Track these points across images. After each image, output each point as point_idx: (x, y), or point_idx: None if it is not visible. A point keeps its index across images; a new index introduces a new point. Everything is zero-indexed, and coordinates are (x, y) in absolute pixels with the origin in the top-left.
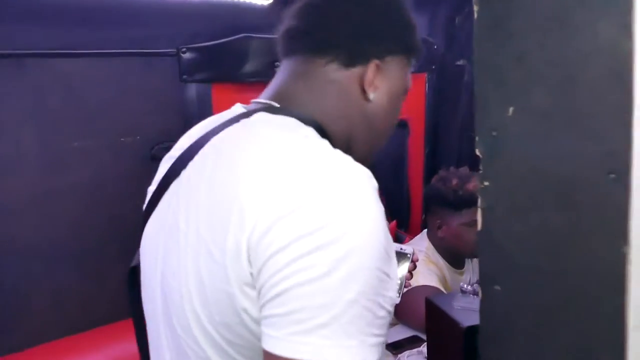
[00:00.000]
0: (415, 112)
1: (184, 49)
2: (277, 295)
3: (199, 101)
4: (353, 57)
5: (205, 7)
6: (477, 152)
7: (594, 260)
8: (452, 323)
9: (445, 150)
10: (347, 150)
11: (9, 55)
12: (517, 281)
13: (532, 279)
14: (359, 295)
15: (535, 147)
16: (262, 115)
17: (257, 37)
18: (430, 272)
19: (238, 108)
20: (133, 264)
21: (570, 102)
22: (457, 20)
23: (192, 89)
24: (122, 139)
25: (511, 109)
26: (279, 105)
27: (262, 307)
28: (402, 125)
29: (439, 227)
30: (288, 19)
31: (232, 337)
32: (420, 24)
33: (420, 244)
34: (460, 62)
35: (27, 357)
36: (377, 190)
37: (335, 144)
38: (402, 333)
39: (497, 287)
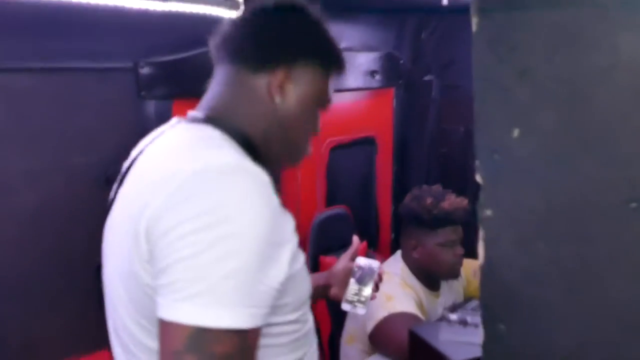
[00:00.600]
0: (382, 128)
1: (142, 64)
2: (163, 268)
3: (158, 119)
4: (259, 63)
5: (164, 19)
6: (478, 178)
7: (611, 300)
8: (440, 357)
9: (414, 167)
10: (266, 152)
11: None
12: (523, 321)
13: (540, 318)
14: (232, 271)
15: (543, 173)
16: (181, 126)
17: None
18: (407, 297)
19: (173, 120)
20: (97, 263)
21: (584, 122)
22: (423, 35)
23: (151, 106)
24: (73, 160)
25: (517, 131)
26: (202, 116)
27: (154, 278)
28: (370, 142)
29: (414, 248)
30: (217, 35)
31: (144, 312)
32: (386, 38)
33: (395, 266)
34: (427, 78)
35: None
36: (269, 184)
37: (258, 150)
38: None
39: (502, 326)
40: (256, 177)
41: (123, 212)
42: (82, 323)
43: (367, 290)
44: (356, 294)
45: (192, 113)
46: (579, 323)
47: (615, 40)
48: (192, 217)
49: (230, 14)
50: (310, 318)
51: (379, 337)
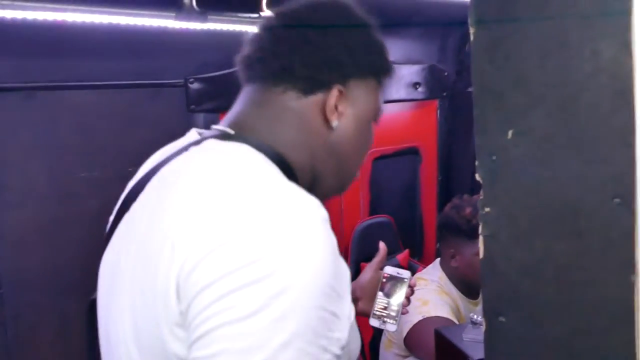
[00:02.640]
0: (427, 138)
1: (191, 80)
2: (202, 336)
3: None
4: (311, 84)
5: (212, 38)
6: (477, 177)
7: (601, 290)
8: (462, 356)
9: (458, 177)
10: (313, 182)
11: (20, 88)
12: (522, 312)
13: (537, 309)
14: (293, 337)
15: (536, 171)
16: (211, 143)
17: None
18: (443, 303)
19: (192, 134)
20: (92, 297)
21: (572, 124)
22: (467, 47)
23: (200, 119)
24: (129, 169)
25: (510, 132)
26: (233, 132)
27: (189, 348)
28: (414, 152)
29: (453, 257)
30: (246, 45)
31: None
32: (430, 51)
33: (433, 274)
34: (471, 89)
35: None
36: (328, 221)
37: (298, 176)
38: None
39: (502, 319)
40: (316, 213)
41: (139, 253)
42: None
43: (397, 304)
44: (385, 308)
45: (218, 127)
46: (572, 314)
47: (597, 47)
48: (239, 267)
49: None
50: None
51: (412, 341)
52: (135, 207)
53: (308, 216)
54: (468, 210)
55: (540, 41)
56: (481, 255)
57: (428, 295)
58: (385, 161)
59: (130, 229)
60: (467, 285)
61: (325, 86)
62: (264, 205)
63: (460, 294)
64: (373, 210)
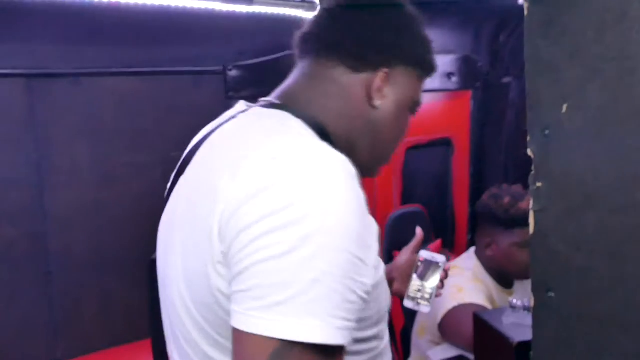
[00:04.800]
0: (459, 129)
1: (230, 67)
2: (241, 272)
3: None
4: (360, 63)
5: (250, 25)
6: (529, 152)
7: None
8: (502, 339)
9: (492, 169)
10: (348, 154)
11: (66, 74)
12: (573, 287)
13: (589, 284)
14: (322, 274)
15: (590, 145)
16: (256, 110)
17: None
18: (477, 290)
19: (241, 105)
20: (152, 257)
21: (629, 96)
22: (501, 38)
23: None
24: (171, 154)
25: (565, 106)
26: (279, 102)
27: (230, 284)
28: (446, 143)
29: (488, 246)
30: (306, 24)
31: (210, 317)
32: (464, 42)
33: (468, 262)
34: (506, 80)
35: None
36: (356, 176)
37: (335, 145)
38: (447, 352)
39: (551, 294)
40: (345, 167)
41: (189, 206)
42: None
43: (431, 286)
44: (419, 290)
45: (266, 98)
46: (625, 287)
47: None
48: (274, 211)
49: (307, 15)
50: (387, 333)
51: (447, 327)
52: (188, 170)
53: (338, 169)
54: (507, 199)
55: (597, 14)
56: (531, 230)
57: (463, 282)
58: (418, 151)
59: (183, 189)
60: (501, 275)
61: (373, 67)
62: (298, 157)
63: (494, 282)
64: (405, 200)
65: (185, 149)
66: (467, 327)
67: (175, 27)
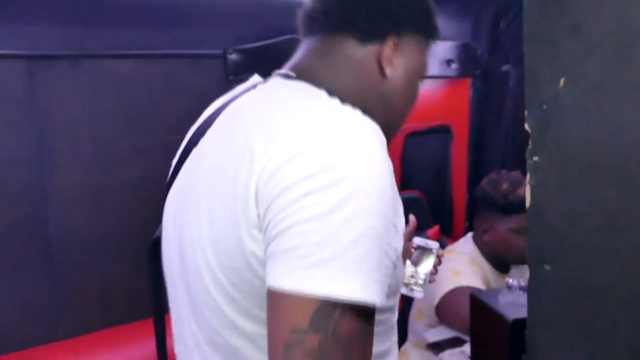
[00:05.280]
0: (458, 117)
1: (230, 51)
2: (281, 232)
3: None
4: (369, 34)
5: (251, 9)
6: (527, 127)
7: None
8: (498, 317)
9: (490, 156)
10: None
11: (65, 56)
12: (568, 260)
13: (584, 257)
14: (361, 236)
15: (587, 119)
16: (277, 80)
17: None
18: (474, 273)
19: (255, 78)
20: (155, 235)
21: (627, 71)
22: (501, 25)
23: None
24: (170, 138)
25: (562, 80)
26: (295, 75)
27: (267, 246)
28: (445, 130)
29: (486, 231)
30: (308, 2)
31: (239, 282)
32: (463, 29)
33: (465, 247)
34: (505, 68)
35: (71, 347)
36: (385, 145)
37: None
38: (443, 334)
39: (547, 267)
40: (379, 134)
41: (215, 174)
42: None
43: (425, 272)
44: (412, 276)
45: (281, 71)
46: (620, 260)
47: None
48: (314, 172)
49: None
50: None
51: (444, 310)
52: (204, 141)
53: (373, 135)
54: (505, 185)
55: None
56: (527, 204)
57: (460, 266)
58: (416, 138)
59: (201, 159)
60: (498, 260)
61: (382, 37)
62: (336, 122)
63: (491, 267)
64: (404, 187)
65: (185, 131)
66: (464, 308)
67: (176, 9)
